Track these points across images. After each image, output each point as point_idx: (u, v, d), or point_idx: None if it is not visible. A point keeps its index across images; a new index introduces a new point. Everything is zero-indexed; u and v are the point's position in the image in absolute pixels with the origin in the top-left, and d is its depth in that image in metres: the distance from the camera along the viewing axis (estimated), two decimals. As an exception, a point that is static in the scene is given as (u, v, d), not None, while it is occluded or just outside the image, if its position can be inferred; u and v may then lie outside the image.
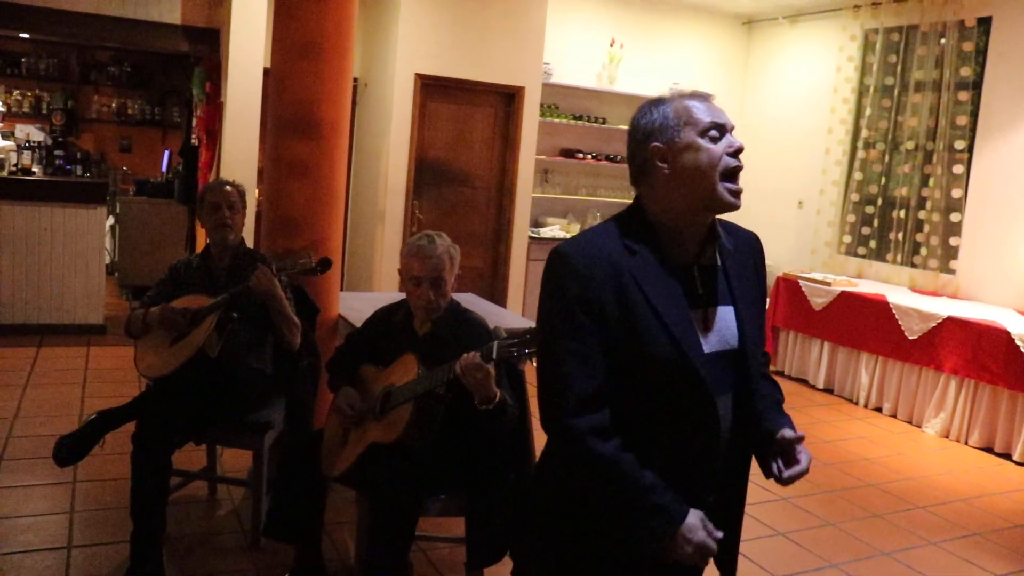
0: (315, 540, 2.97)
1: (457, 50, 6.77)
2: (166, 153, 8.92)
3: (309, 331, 3.49)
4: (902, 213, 6.95)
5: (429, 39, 6.67)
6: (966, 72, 6.52)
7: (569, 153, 7.92)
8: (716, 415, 1.62)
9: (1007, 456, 5.33)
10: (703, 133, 1.60)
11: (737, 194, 1.62)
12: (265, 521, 3.01)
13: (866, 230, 7.35)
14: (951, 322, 5.66)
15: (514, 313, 6.06)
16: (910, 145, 6.90)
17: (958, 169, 6.56)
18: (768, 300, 7.06)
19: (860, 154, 7.34)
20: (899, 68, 7.02)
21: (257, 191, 5.90)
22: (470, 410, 2.56)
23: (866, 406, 6.27)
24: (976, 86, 6.50)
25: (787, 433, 1.71)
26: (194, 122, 7.42)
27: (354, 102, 6.95)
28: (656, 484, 1.56)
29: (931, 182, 6.71)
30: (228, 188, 3.34)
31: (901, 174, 6.98)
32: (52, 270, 6.19)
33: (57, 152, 8.39)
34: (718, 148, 1.60)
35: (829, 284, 6.62)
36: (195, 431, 3.19)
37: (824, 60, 7.74)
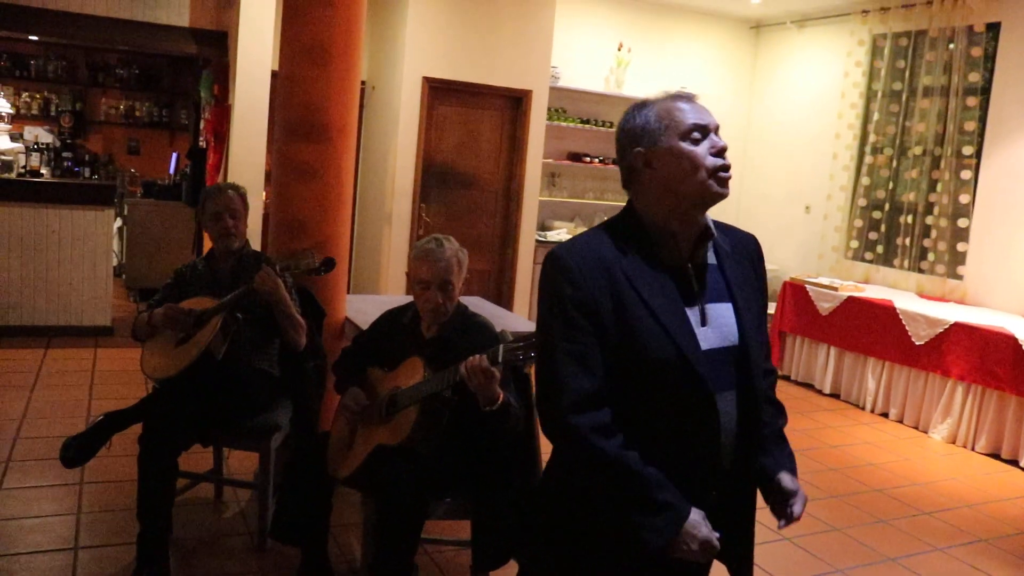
0: (321, 542, 2.97)
1: (464, 53, 6.78)
2: (174, 155, 8.94)
3: (315, 333, 3.49)
4: (909, 218, 6.93)
5: (437, 42, 6.68)
6: (974, 77, 6.50)
7: (576, 157, 7.92)
8: (716, 412, 1.61)
9: (1014, 462, 5.31)
10: (685, 136, 1.60)
11: (724, 182, 1.62)
12: (271, 523, 3.02)
13: (873, 235, 7.33)
14: (958, 328, 5.64)
15: (520, 316, 6.06)
16: (918, 150, 6.88)
17: (966, 175, 6.54)
18: (775, 304, 7.06)
19: (868, 159, 7.32)
20: (907, 73, 7.01)
21: (264, 193, 5.92)
22: (476, 413, 2.56)
23: (873, 411, 6.25)
24: (984, 91, 6.48)
25: (785, 482, 1.73)
26: (202, 124, 7.45)
27: (362, 105, 6.96)
28: (661, 481, 1.56)
29: (939, 187, 6.69)
30: (230, 193, 3.31)
31: (909, 179, 6.96)
32: (60, 272, 6.21)
33: (65, 154, 8.44)
34: (700, 150, 1.60)
35: (836, 289, 6.60)
36: (202, 433, 3.20)
37: (832, 65, 7.72)
